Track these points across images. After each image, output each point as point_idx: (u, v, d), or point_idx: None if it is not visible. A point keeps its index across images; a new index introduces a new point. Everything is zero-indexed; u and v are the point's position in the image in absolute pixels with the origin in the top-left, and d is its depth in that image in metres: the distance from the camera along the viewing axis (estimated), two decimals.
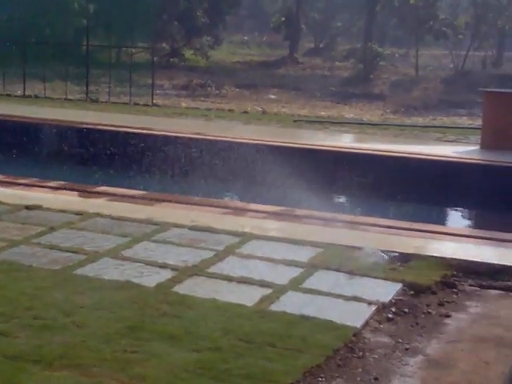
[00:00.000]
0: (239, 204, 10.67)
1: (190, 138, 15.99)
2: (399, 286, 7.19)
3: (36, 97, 23.37)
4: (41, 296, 6.39)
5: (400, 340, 6.01)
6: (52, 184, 11.13)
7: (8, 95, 23.37)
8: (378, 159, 14.68)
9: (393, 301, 6.84)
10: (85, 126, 17.16)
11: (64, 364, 5.14)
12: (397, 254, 8.09)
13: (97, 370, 5.11)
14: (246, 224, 9.12)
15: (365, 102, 28.61)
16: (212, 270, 7.42)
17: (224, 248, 8.09)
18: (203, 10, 40.29)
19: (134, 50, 29.39)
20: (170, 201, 10.38)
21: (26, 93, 23.73)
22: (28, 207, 9.36)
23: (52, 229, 8.49)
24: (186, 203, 10.29)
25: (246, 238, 8.47)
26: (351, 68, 37.35)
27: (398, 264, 7.82)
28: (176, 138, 16.06)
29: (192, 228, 8.78)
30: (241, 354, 5.49)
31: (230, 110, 22.66)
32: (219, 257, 7.81)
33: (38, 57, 24.92)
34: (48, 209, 9.36)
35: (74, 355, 5.28)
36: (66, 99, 23.03)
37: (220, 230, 8.71)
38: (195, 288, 6.89)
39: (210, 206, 10.25)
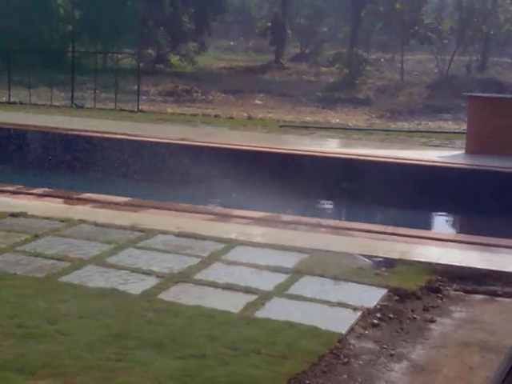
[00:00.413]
0: (224, 210, 10.67)
1: (179, 144, 16.00)
2: (384, 291, 7.20)
3: (21, 103, 23.31)
4: (24, 304, 6.36)
5: (385, 346, 6.02)
6: (37, 191, 11.09)
7: None
8: (363, 164, 14.70)
9: (378, 306, 6.84)
10: (70, 132, 17.13)
11: (48, 373, 5.11)
12: (382, 260, 8.10)
13: (81, 379, 5.08)
14: (231, 230, 9.12)
15: (350, 107, 28.66)
16: (197, 276, 7.41)
17: (209, 254, 8.08)
18: (189, 15, 40.25)
19: (119, 56, 29.32)
20: (155, 207, 10.36)
21: (11, 99, 23.67)
22: (13, 214, 9.32)
23: (37, 236, 8.46)
24: (172, 210, 10.28)
25: (231, 244, 8.47)
26: (337, 73, 37.37)
27: (383, 269, 7.83)
28: (162, 143, 16.06)
29: (177, 235, 8.76)
30: (226, 361, 5.48)
31: (215, 116, 22.65)
32: (205, 263, 7.80)
33: (23, 63, 24.85)
34: (33, 216, 9.33)
35: (57, 364, 5.25)
36: (51, 105, 22.97)
37: (205, 236, 8.71)
38: (181, 295, 6.88)
39: (196, 212, 10.23)
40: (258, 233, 9.12)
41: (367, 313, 6.66)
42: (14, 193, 10.92)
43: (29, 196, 10.75)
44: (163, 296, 6.82)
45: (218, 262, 7.88)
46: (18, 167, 16.41)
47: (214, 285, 7.17)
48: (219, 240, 8.59)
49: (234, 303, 6.70)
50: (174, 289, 7.04)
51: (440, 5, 45.06)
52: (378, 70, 39.15)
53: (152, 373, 5.23)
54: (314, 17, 50.92)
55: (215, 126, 19.71)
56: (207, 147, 15.76)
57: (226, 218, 10.01)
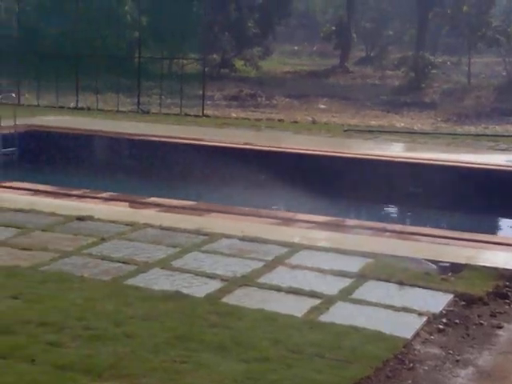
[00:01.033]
0: (288, 214, 10.67)
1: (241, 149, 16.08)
2: (450, 296, 7.11)
3: (88, 109, 23.67)
4: (91, 306, 6.45)
5: (451, 351, 5.94)
6: (103, 195, 11.26)
7: (61, 107, 23.73)
8: (429, 168, 14.56)
9: (444, 312, 6.76)
10: (137, 137, 17.37)
11: (114, 374, 5.17)
12: (448, 264, 8.00)
13: (146, 381, 5.13)
14: (294, 234, 9.12)
15: (416, 110, 28.37)
16: (261, 280, 7.42)
17: (273, 258, 8.09)
18: (254, 20, 40.40)
19: (185, 62, 29.57)
20: (218, 211, 10.42)
21: (79, 105, 24.08)
22: (80, 218, 9.46)
23: (103, 239, 8.58)
24: (235, 213, 10.32)
25: (295, 248, 8.46)
26: (402, 77, 37.03)
27: (450, 274, 7.74)
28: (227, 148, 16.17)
29: (241, 238, 8.79)
30: (289, 364, 5.48)
31: (279, 120, 22.66)
32: (268, 267, 7.81)
33: (91, 69, 25.25)
34: (99, 220, 9.46)
35: (123, 365, 5.31)
36: (117, 111, 23.29)
37: (269, 240, 8.72)
38: (244, 298, 6.90)
39: (259, 216, 10.26)
40: (321, 237, 9.10)
41: (433, 318, 6.58)
42: (80, 197, 11.09)
43: (95, 200, 10.92)
44: (227, 299, 6.85)
45: (281, 266, 7.88)
46: (86, 171, 16.65)
47: (278, 288, 7.18)
48: (283, 244, 8.59)
49: (297, 307, 6.70)
50: (237, 292, 7.06)
51: (508, 7, 44.36)
52: (445, 73, 38.66)
53: (216, 375, 5.26)
54: (379, 20, 50.58)
55: (279, 131, 19.75)
56: (271, 152, 15.79)
57: (289, 222, 10.01)
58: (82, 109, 23.62)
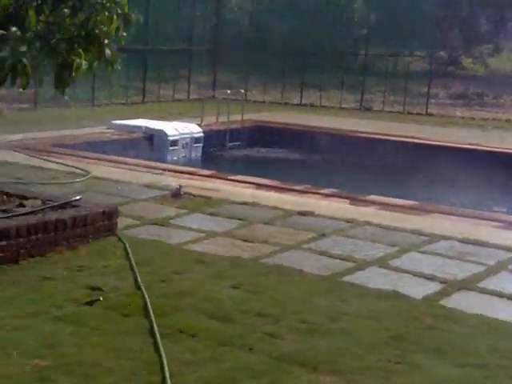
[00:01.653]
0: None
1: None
2: None
3: (311, 105, 24.04)
4: (309, 301, 6.55)
5: None
6: (324, 191, 11.35)
7: (286, 103, 24.27)
8: None
9: None
10: (357, 134, 17.46)
11: (328, 369, 5.22)
12: None
13: (360, 378, 5.14)
14: None
15: None
16: (482, 285, 7.22)
17: (495, 263, 7.85)
18: (486, 16, 39.18)
19: (410, 59, 29.21)
20: (438, 212, 10.22)
21: (303, 101, 24.48)
22: (301, 213, 9.62)
23: (323, 235, 8.67)
24: (455, 215, 10.09)
25: None
26: None
27: None
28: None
29: (461, 240, 8.60)
30: (509, 374, 5.30)
31: (507, 121, 21.90)
32: (490, 272, 7.59)
33: (316, 67, 25.59)
34: (320, 215, 9.57)
35: (338, 361, 5.35)
36: (340, 108, 23.47)
37: (490, 243, 8.47)
38: (463, 302, 6.74)
39: (480, 218, 9.95)
40: None
41: None
42: (302, 192, 11.26)
43: (316, 195, 11.04)
44: (445, 302, 6.72)
45: (504, 271, 7.63)
46: (307, 167, 16.92)
47: (500, 295, 6.95)
48: (506, 248, 8.32)
49: None
50: (455, 296, 6.92)
51: None
52: None
53: (430, 378, 5.18)
54: None
55: (506, 131, 19.10)
56: (499, 153, 15.36)
57: None
58: (305, 105, 24.03)
